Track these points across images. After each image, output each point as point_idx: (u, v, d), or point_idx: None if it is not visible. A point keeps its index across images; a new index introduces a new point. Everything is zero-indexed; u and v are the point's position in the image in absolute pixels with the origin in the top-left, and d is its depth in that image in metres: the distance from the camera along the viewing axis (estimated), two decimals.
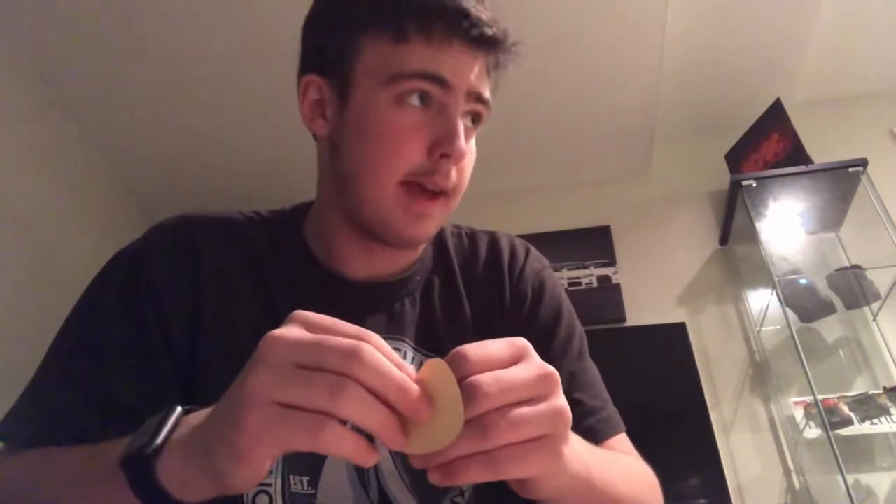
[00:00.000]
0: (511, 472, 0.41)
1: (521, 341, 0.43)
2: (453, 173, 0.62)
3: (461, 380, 0.40)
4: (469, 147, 0.63)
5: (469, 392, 0.39)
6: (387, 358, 0.39)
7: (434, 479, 0.41)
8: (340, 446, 0.37)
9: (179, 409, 0.45)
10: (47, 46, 2.07)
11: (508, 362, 0.42)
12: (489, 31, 0.61)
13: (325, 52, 0.64)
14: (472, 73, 0.61)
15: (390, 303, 0.69)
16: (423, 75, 0.59)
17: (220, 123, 2.43)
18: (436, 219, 0.64)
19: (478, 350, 0.41)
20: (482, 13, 0.61)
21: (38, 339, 0.63)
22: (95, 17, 1.97)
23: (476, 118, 0.64)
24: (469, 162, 0.65)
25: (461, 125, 0.60)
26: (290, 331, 0.39)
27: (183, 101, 2.32)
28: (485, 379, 0.39)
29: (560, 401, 0.42)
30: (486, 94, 0.64)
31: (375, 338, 0.39)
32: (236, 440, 0.37)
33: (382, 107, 0.60)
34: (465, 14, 0.60)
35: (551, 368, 0.43)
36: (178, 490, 0.42)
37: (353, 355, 0.37)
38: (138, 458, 0.42)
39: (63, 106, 2.29)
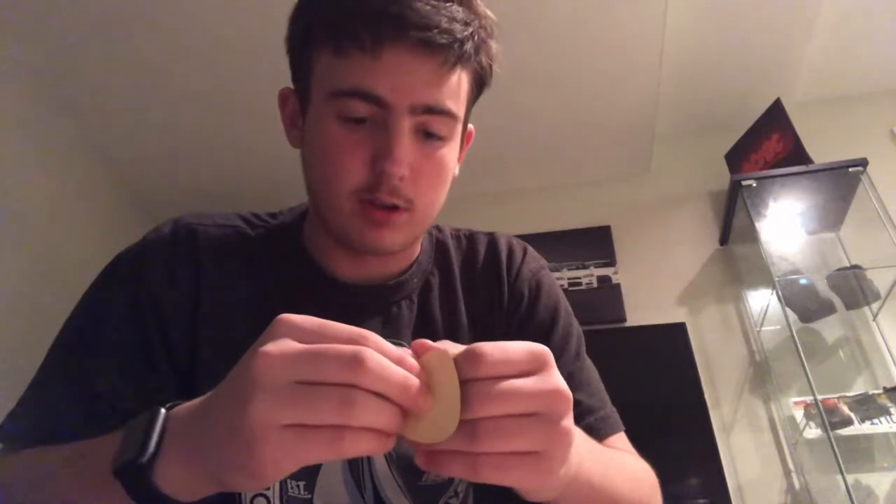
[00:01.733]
0: (491, 479, 0.40)
1: (544, 351, 0.42)
2: (405, 189, 0.59)
3: (470, 380, 0.39)
4: (432, 160, 0.61)
5: (468, 395, 0.39)
6: (386, 356, 0.38)
7: (419, 461, 0.41)
8: (361, 448, 0.37)
9: (163, 411, 0.43)
10: (49, 48, 2.07)
11: (524, 370, 0.41)
12: (431, 35, 0.56)
13: (292, 66, 0.65)
14: (416, 84, 0.57)
15: (386, 306, 0.69)
16: (356, 93, 0.57)
17: (220, 124, 2.44)
18: (400, 229, 0.62)
19: (494, 352, 0.40)
20: (423, 14, 0.56)
21: (39, 338, 0.63)
22: (98, 19, 1.97)
23: (432, 132, 0.60)
24: (431, 176, 0.62)
25: (401, 140, 0.57)
26: (281, 345, 0.38)
27: (184, 102, 2.32)
28: (487, 386, 0.39)
29: (565, 423, 0.41)
30: (444, 104, 0.59)
31: (373, 337, 0.39)
32: (256, 469, 0.37)
33: (327, 122, 0.59)
34: (397, 18, 0.56)
35: (565, 388, 0.41)
36: (178, 493, 0.42)
37: (354, 363, 0.36)
38: (132, 468, 0.41)
39: (64, 107, 2.29)
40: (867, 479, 2.08)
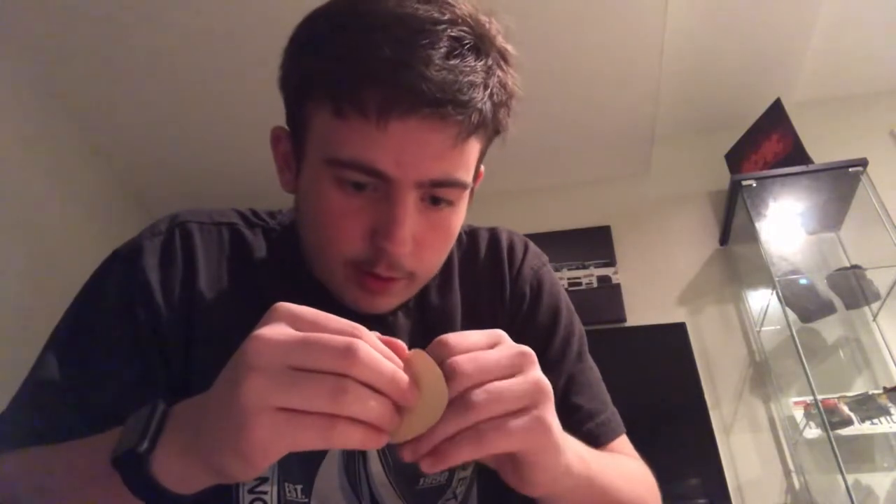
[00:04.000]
0: (497, 443, 0.42)
1: (496, 331, 0.45)
2: (406, 262, 0.56)
3: (442, 363, 0.42)
4: (438, 228, 0.57)
5: (448, 373, 0.41)
6: (378, 350, 0.39)
7: (426, 466, 0.41)
8: (351, 439, 0.38)
9: (163, 403, 0.44)
10: (49, 47, 2.07)
11: (486, 347, 0.44)
12: (447, 109, 0.50)
13: (287, 109, 0.60)
14: (425, 158, 0.52)
15: (384, 316, 0.67)
16: (357, 166, 0.52)
17: (221, 124, 2.44)
18: (397, 294, 0.60)
19: (457, 337, 0.43)
20: (439, 84, 0.49)
21: (39, 338, 0.62)
22: (98, 19, 1.97)
23: (440, 197, 0.55)
24: (436, 244, 0.58)
25: (404, 219, 0.53)
26: (276, 330, 0.38)
27: (185, 103, 2.32)
28: (461, 359, 0.41)
29: (537, 374, 0.44)
30: (454, 176, 0.54)
31: (366, 332, 0.40)
32: (247, 450, 0.37)
33: (324, 184, 0.55)
34: (409, 90, 0.49)
35: (526, 347, 0.44)
36: (175, 485, 0.42)
37: (348, 354, 0.37)
38: (130, 457, 0.41)
39: (64, 107, 2.29)
40: (867, 479, 2.08)
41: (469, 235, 0.76)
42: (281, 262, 0.67)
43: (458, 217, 0.60)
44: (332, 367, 0.37)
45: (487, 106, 0.53)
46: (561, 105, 2.44)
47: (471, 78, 0.51)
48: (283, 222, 0.71)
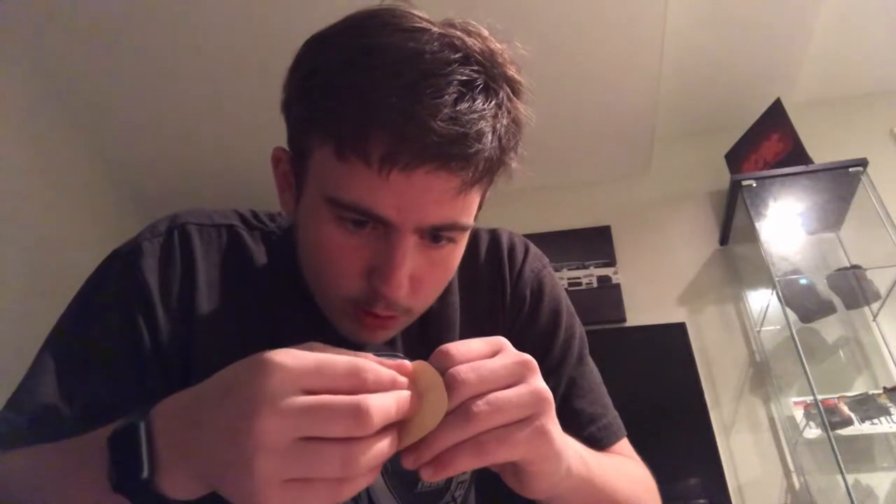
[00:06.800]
0: (498, 453, 0.42)
1: (498, 338, 0.46)
2: (403, 300, 0.55)
3: (444, 373, 0.42)
4: (436, 266, 0.56)
5: (449, 382, 0.41)
6: (383, 383, 0.39)
7: (427, 474, 0.42)
8: (359, 488, 0.38)
9: (142, 422, 0.42)
10: (49, 47, 2.07)
11: (488, 356, 0.44)
12: (453, 162, 0.49)
13: (289, 132, 0.59)
14: (427, 205, 0.51)
15: None
16: (357, 209, 0.51)
17: (221, 125, 2.43)
18: (394, 328, 0.60)
19: (459, 346, 0.44)
20: (446, 136, 0.48)
21: (39, 339, 0.62)
22: (98, 19, 1.97)
23: (441, 235, 0.55)
24: (433, 282, 0.58)
25: (402, 263, 0.52)
26: (281, 405, 0.37)
27: (185, 104, 2.32)
28: (462, 368, 0.42)
29: (538, 383, 0.44)
30: (456, 221, 0.54)
31: (371, 368, 0.39)
32: None
33: (324, 220, 0.54)
34: (414, 142, 0.48)
35: (527, 356, 0.45)
36: (179, 495, 0.42)
37: (358, 418, 0.37)
38: (135, 483, 0.41)
39: (64, 107, 2.29)
40: (867, 479, 2.08)
41: (470, 237, 0.76)
42: (280, 269, 0.66)
43: (459, 253, 0.60)
44: (342, 433, 0.37)
45: (495, 152, 0.52)
46: (561, 105, 2.44)
47: (479, 126, 0.50)
48: (282, 226, 0.70)
